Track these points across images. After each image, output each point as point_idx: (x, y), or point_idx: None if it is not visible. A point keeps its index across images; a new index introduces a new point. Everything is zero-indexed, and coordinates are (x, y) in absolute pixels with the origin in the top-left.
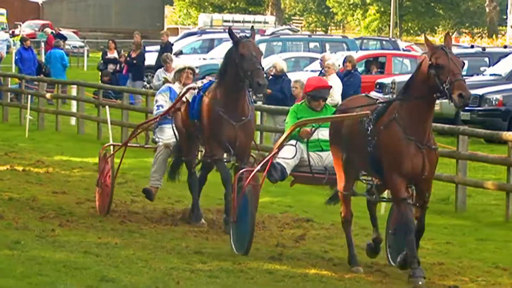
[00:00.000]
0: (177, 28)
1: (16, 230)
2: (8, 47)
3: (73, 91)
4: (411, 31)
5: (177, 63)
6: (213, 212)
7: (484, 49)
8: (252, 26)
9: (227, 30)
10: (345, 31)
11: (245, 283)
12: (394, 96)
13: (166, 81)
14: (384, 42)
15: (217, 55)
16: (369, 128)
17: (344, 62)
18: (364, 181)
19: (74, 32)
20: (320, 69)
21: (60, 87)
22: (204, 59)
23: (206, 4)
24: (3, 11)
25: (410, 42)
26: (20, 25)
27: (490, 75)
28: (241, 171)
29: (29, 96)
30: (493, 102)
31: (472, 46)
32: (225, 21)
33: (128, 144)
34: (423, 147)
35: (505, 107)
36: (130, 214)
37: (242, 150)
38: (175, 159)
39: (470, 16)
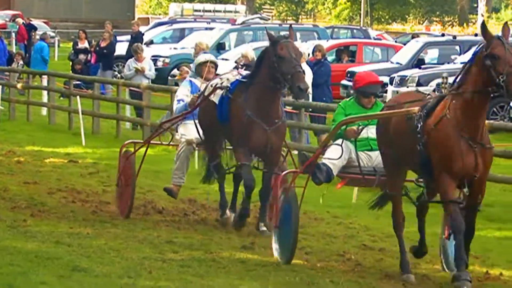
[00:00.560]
0: (148, 18)
1: None
2: None
3: (44, 81)
4: (382, 20)
5: (199, 57)
6: (185, 202)
7: (455, 38)
8: (291, 25)
9: (198, 20)
10: (316, 20)
11: (217, 272)
12: (445, 91)
13: (137, 70)
14: (355, 31)
15: (188, 45)
16: (419, 125)
17: (313, 51)
18: (417, 184)
19: (44, 22)
20: None
21: (30, 77)
22: (175, 48)
23: None
24: None
25: (381, 30)
26: None
27: (461, 63)
28: (284, 173)
29: (0, 87)
30: None
31: (443, 35)
32: (196, 10)
33: (151, 142)
34: (475, 145)
35: None
36: (101, 204)
37: (275, 154)
38: (208, 166)
39: (440, 5)
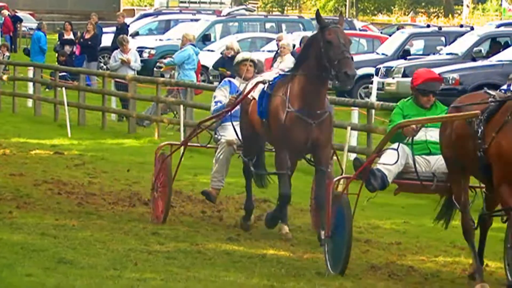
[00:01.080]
0: (133, 9)
1: None
2: None
3: (30, 72)
4: (368, 11)
5: (237, 56)
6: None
7: (440, 29)
8: (341, 12)
9: (183, 11)
10: (302, 11)
11: (202, 264)
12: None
13: (123, 62)
14: None
15: (173, 36)
16: (479, 130)
17: (300, 42)
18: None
19: (30, 14)
20: (277, 49)
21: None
22: (160, 40)
23: None
24: None
25: (366, 22)
26: None
27: (447, 54)
28: (336, 178)
29: None
30: (450, 81)
31: (429, 26)
32: (181, 2)
33: (188, 144)
34: None
35: (462, 86)
36: (87, 196)
37: (323, 151)
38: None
39: None
